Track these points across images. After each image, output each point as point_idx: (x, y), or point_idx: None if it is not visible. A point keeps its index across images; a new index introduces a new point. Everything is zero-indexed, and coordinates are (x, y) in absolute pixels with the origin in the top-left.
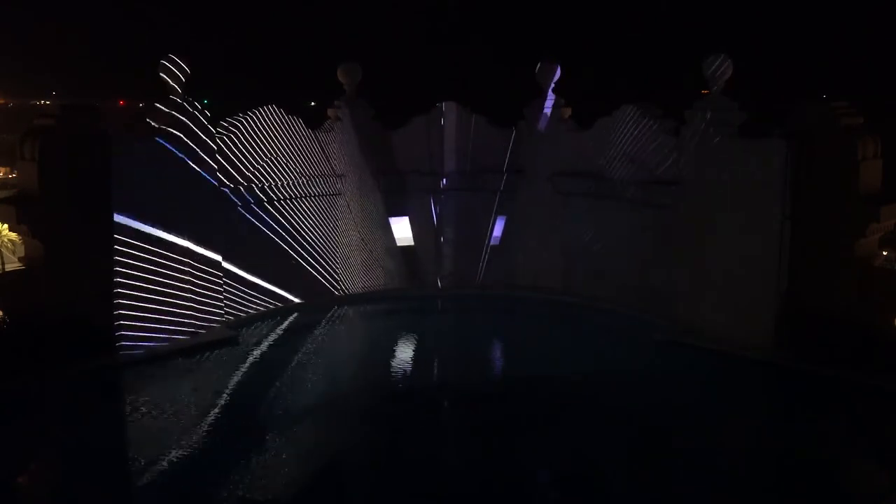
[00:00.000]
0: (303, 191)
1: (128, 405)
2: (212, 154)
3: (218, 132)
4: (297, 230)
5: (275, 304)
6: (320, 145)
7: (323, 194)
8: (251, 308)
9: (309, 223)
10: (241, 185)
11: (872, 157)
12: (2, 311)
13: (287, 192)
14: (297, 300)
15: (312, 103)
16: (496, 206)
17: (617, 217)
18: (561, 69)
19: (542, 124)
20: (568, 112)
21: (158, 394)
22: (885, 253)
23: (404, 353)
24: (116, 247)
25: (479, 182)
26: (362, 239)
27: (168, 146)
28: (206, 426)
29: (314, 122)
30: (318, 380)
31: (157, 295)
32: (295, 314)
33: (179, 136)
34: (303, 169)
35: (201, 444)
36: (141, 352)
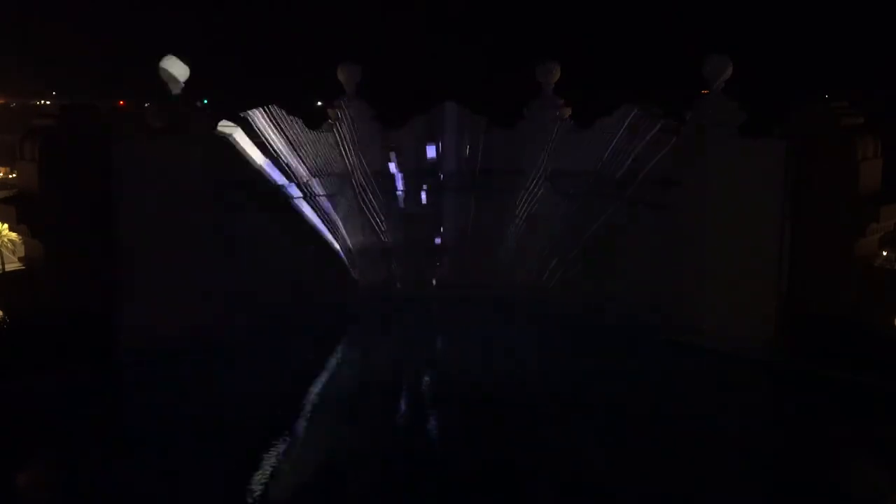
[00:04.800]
0: (301, 191)
1: (128, 405)
2: (212, 154)
3: (218, 132)
4: (296, 230)
5: (276, 305)
6: (320, 145)
7: (322, 194)
8: (251, 308)
9: (308, 223)
10: (241, 184)
11: (872, 157)
12: (2, 311)
13: (286, 192)
14: (297, 301)
15: (319, 103)
16: (496, 207)
17: (617, 217)
18: (561, 69)
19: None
20: (568, 112)
21: (158, 394)
22: (885, 253)
23: (403, 353)
24: (116, 247)
25: (478, 182)
26: (362, 239)
27: (168, 146)
28: (206, 426)
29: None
30: (320, 380)
31: (157, 295)
32: (296, 315)
33: (179, 136)
34: (302, 169)
35: (200, 444)
36: (141, 352)
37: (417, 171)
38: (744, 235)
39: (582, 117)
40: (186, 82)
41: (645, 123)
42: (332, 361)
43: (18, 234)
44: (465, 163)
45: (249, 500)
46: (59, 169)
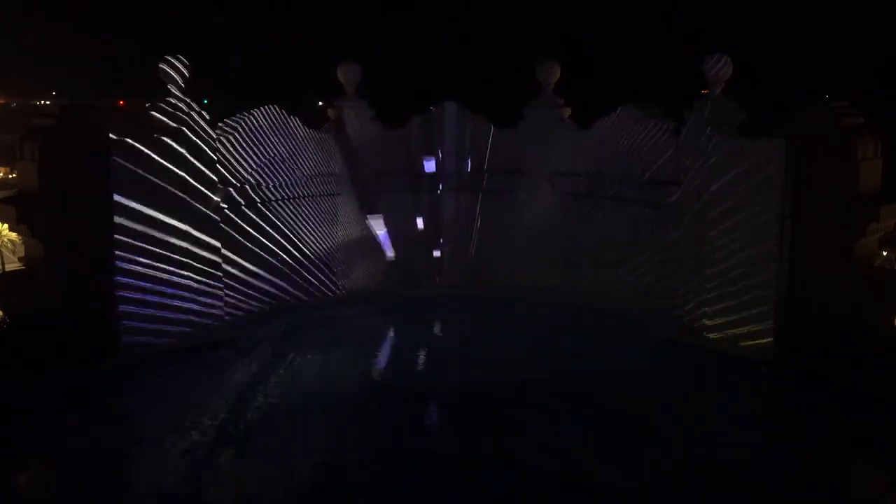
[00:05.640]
0: (302, 191)
1: (128, 405)
2: (211, 154)
3: (217, 132)
4: (296, 231)
5: (275, 305)
6: (320, 145)
7: (322, 194)
8: (251, 309)
9: (308, 224)
10: (241, 184)
11: (872, 157)
12: (2, 311)
13: (286, 192)
14: (296, 301)
15: (320, 103)
16: (495, 207)
17: (617, 217)
18: (561, 69)
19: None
20: (568, 112)
21: (158, 394)
22: (885, 253)
23: (406, 352)
24: (116, 246)
25: (478, 182)
26: (361, 239)
27: (168, 146)
28: (205, 426)
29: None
30: (319, 380)
31: (157, 295)
32: (296, 314)
33: (179, 136)
34: (302, 169)
35: (199, 445)
36: (141, 352)
37: (418, 172)
38: (744, 235)
39: (582, 117)
40: (186, 82)
41: (645, 123)
42: (333, 361)
43: (18, 234)
44: (469, 163)
45: (250, 500)
46: (59, 169)
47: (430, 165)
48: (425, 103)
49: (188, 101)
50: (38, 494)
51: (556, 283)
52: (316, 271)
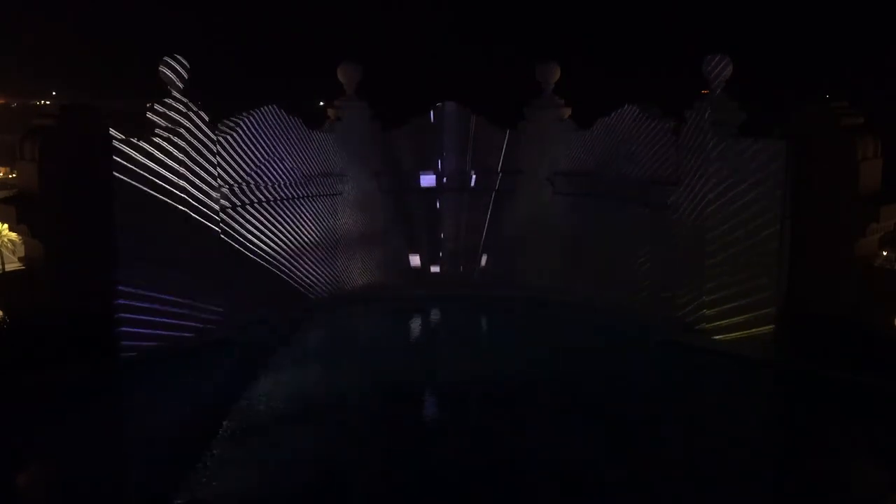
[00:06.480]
0: (302, 191)
1: (127, 405)
2: (211, 153)
3: (218, 132)
4: (295, 230)
5: (274, 304)
6: (320, 145)
7: (322, 194)
8: (250, 308)
9: (308, 223)
10: (241, 184)
11: (872, 157)
12: (2, 311)
13: (286, 192)
14: (295, 300)
15: (321, 103)
16: (495, 206)
17: (617, 217)
18: (561, 69)
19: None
20: (568, 112)
21: (157, 394)
22: (885, 253)
23: (405, 352)
24: (116, 246)
25: (478, 182)
26: (361, 239)
27: (168, 145)
28: (204, 425)
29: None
30: (319, 379)
31: (156, 294)
32: (295, 314)
33: (179, 136)
34: (302, 169)
35: (199, 444)
36: (140, 351)
37: (418, 171)
38: (744, 235)
39: (582, 117)
40: (186, 82)
41: (645, 123)
42: (333, 360)
43: (18, 234)
44: (470, 163)
45: (249, 498)
46: (59, 169)
47: (429, 167)
48: (425, 103)
49: (188, 101)
50: (38, 493)
51: (556, 283)
52: (316, 271)
